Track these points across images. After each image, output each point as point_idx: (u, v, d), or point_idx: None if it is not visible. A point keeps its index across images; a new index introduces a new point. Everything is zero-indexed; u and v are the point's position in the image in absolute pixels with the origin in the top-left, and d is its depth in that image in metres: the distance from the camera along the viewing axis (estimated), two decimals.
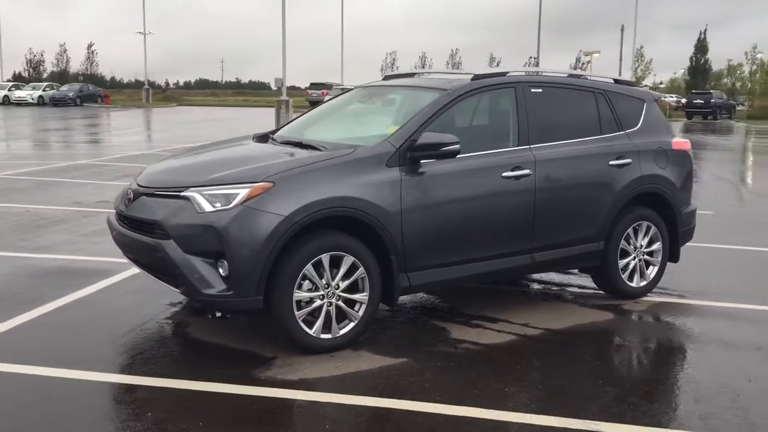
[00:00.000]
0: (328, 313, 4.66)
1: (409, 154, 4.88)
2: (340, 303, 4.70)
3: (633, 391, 4.26)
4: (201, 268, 4.41)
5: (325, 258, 4.58)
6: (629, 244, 6.05)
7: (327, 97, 44.32)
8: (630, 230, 6.02)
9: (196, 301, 4.57)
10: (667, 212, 6.22)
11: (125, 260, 5.28)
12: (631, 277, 6.11)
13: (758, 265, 7.57)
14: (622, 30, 63.14)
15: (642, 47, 57.48)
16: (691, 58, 74.48)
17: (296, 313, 4.54)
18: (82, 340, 4.86)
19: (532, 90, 5.63)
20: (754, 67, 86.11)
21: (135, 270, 6.39)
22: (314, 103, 45.84)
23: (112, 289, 6.02)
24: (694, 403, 4.13)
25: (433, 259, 5.00)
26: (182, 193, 4.59)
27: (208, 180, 4.59)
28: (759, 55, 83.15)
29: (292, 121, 6.32)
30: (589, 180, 5.76)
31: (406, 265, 4.87)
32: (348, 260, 4.66)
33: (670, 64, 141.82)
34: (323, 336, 4.66)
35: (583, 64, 57.60)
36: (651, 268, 6.23)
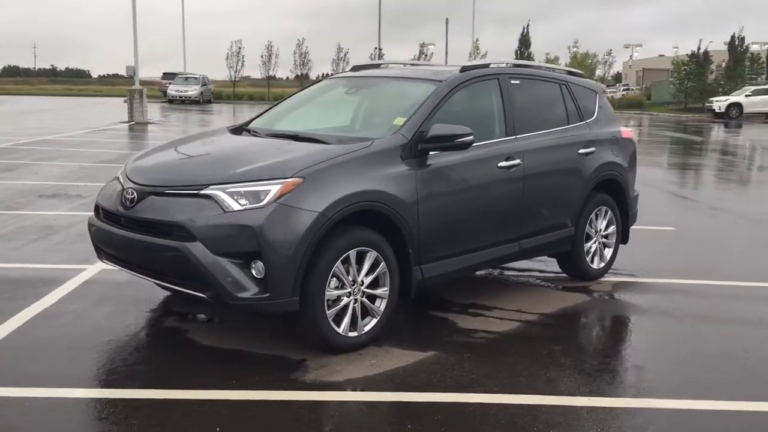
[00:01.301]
0: (354, 310, 4.56)
1: (420, 146, 4.85)
2: (364, 299, 4.60)
3: (663, 364, 4.51)
4: (233, 270, 4.16)
5: (353, 254, 4.47)
6: (591, 228, 6.36)
7: (171, 88, 42.54)
8: (592, 215, 6.33)
9: (224, 306, 4.29)
10: (620, 197, 6.60)
11: (60, 266, 4.82)
12: (592, 260, 6.43)
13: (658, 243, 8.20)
14: (447, 23, 65.40)
15: (478, 40, 59.79)
16: (516, 51, 78.48)
17: (327, 312, 4.41)
18: (80, 357, 4.43)
19: (512, 81, 5.77)
20: (569, 60, 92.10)
21: (84, 277, 5.95)
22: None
23: (74, 299, 5.52)
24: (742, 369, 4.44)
25: (442, 250, 5.01)
26: (202, 192, 4.30)
27: (229, 176, 4.33)
28: (574, 50, 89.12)
29: (265, 112, 6.05)
30: (564, 168, 6.00)
31: (419, 257, 4.85)
32: (371, 255, 4.57)
33: (497, 56, 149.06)
34: (350, 334, 4.55)
35: (426, 56, 59.08)
36: (607, 250, 6.58)
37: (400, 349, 4.66)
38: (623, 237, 6.74)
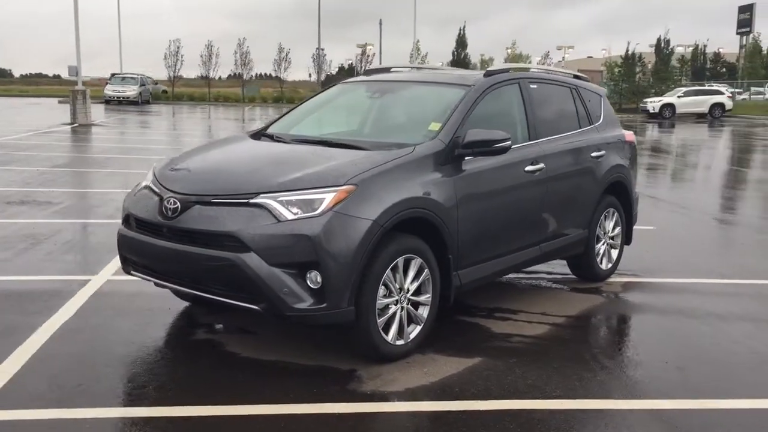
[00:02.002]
0: (401, 318, 4.51)
1: (457, 151, 4.84)
2: (409, 307, 4.56)
3: (703, 365, 4.60)
4: (288, 281, 4.06)
5: (401, 262, 4.42)
6: (601, 229, 6.46)
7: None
8: (602, 217, 6.43)
9: (278, 318, 4.17)
10: (625, 198, 6.72)
11: (61, 277, 4.65)
12: (601, 261, 6.53)
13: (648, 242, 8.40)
14: (380, 24, 65.60)
15: (419, 41, 60.10)
16: (453, 52, 79.37)
17: (378, 321, 4.35)
18: (118, 373, 4.26)
19: (531, 85, 5.81)
20: (503, 61, 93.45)
21: (91, 289, 5.76)
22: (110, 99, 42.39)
23: (90, 312, 5.30)
24: None
25: (477, 255, 5.01)
26: (253, 201, 4.18)
27: (279, 185, 4.22)
28: (508, 50, 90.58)
29: (282, 116, 5.93)
30: (581, 172, 6.07)
31: (457, 263, 4.83)
32: (416, 263, 4.53)
33: (433, 57, 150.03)
34: (398, 342, 4.50)
35: (368, 56, 59.13)
36: (613, 251, 6.70)
37: (445, 356, 4.63)
38: (627, 238, 6.87)
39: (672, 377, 4.42)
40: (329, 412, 3.81)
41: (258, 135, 5.59)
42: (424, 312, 4.64)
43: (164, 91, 52.44)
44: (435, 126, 4.95)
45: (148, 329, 5.00)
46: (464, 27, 70.67)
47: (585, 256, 6.31)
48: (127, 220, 4.72)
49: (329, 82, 64.86)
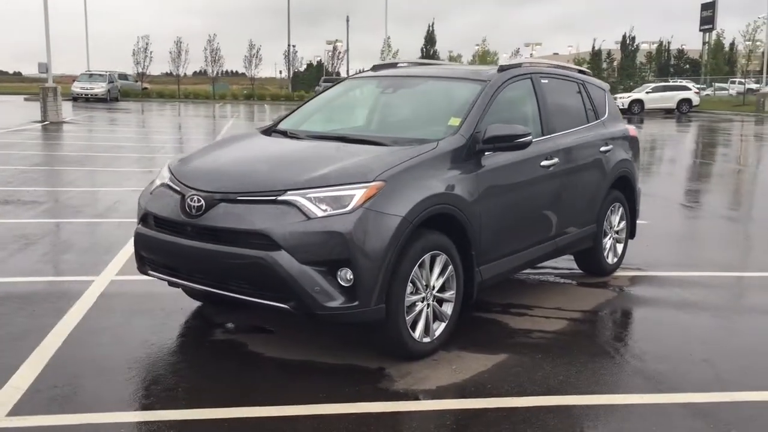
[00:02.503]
0: (427, 315, 4.47)
1: (477, 146, 4.80)
2: (435, 304, 4.52)
3: (728, 357, 4.62)
4: (320, 279, 3.99)
5: (427, 258, 4.38)
6: (607, 224, 6.47)
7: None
8: (608, 211, 6.45)
9: (308, 317, 4.10)
10: (630, 193, 6.75)
11: (63, 278, 4.62)
12: (607, 255, 6.54)
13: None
14: (348, 21, 65.41)
15: (389, 38, 60.15)
16: (421, 49, 79.49)
17: (406, 318, 4.30)
18: (143, 377, 4.16)
19: (542, 80, 5.79)
20: (472, 58, 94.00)
21: (96, 289, 5.64)
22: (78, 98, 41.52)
23: (101, 314, 5.18)
24: None
25: (497, 251, 4.98)
26: (281, 198, 4.10)
27: (307, 181, 4.15)
28: (477, 47, 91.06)
29: (292, 113, 5.84)
30: (591, 166, 6.08)
31: (478, 259, 4.80)
32: (441, 259, 4.49)
33: (403, 54, 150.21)
34: (424, 340, 4.45)
35: (339, 52, 58.98)
36: (619, 245, 6.72)
37: (470, 353, 4.59)
38: (631, 232, 6.90)
39: (702, 370, 4.43)
40: (365, 412, 3.75)
41: (269, 132, 5.51)
42: (448, 309, 4.60)
43: (144, 89, 51.78)
44: (455, 121, 4.91)
45: (165, 330, 4.89)
46: (433, 24, 70.64)
47: (593, 250, 6.32)
48: (145, 218, 4.60)
49: (297, 79, 64.69)
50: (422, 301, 4.42)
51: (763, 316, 5.53)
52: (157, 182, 4.78)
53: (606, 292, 6.10)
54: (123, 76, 49.34)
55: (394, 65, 6.33)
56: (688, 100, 42.47)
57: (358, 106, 5.85)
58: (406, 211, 4.16)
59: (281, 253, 3.96)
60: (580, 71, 6.71)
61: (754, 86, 57.11)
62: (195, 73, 65.76)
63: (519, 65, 5.69)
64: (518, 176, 5.19)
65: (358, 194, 4.07)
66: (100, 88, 42.77)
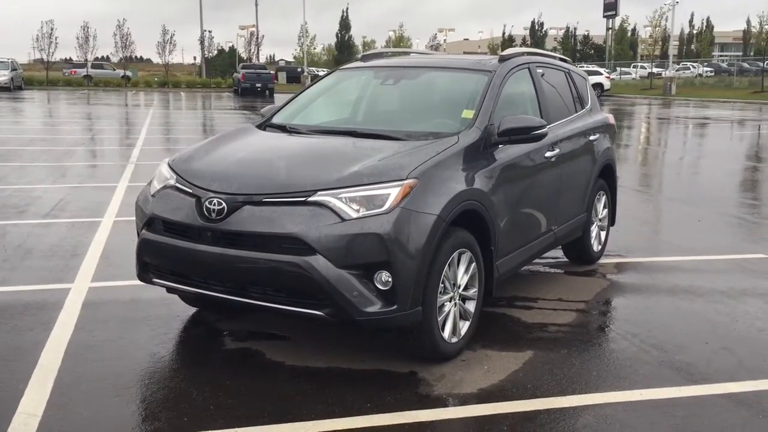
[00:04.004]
0: (455, 315, 4.35)
1: (493, 139, 4.69)
2: (461, 302, 4.40)
3: (743, 345, 4.68)
4: (357, 283, 3.79)
5: (455, 257, 4.25)
6: (594, 212, 6.50)
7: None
8: (595, 199, 6.47)
9: (345, 323, 3.89)
10: (611, 181, 6.80)
11: (33, 287, 4.43)
12: (593, 244, 6.58)
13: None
14: (257, 5, 64.23)
15: (307, 23, 59.43)
16: (336, 34, 79.15)
17: (438, 319, 4.17)
18: (162, 396, 3.86)
19: (538, 70, 5.73)
20: (385, 43, 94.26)
21: (77, 298, 5.31)
22: None
23: (92, 325, 4.82)
24: None
25: (509, 245, 4.90)
26: (311, 198, 3.87)
27: (338, 180, 3.93)
28: (391, 33, 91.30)
29: (284, 106, 5.55)
30: (584, 156, 6.07)
31: (495, 254, 4.71)
32: (467, 256, 4.37)
33: (319, 39, 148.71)
34: (453, 340, 4.33)
35: (257, 38, 57.81)
36: (602, 233, 6.77)
37: (495, 351, 4.50)
38: (612, 219, 6.95)
39: (724, 359, 4.46)
40: (417, 422, 3.59)
41: (266, 126, 5.24)
42: (471, 307, 4.49)
43: (125, 76, 49.79)
44: (468, 114, 4.78)
45: (170, 341, 4.59)
46: (347, 9, 70.32)
47: (582, 239, 6.34)
48: (151, 223, 4.28)
49: (210, 64, 63.20)
50: (450, 301, 4.29)
51: (759, 300, 5.65)
52: (157, 184, 4.46)
53: (599, 281, 6.12)
54: (99, 65, 47.87)
55: (382, 55, 6.14)
56: (599, 85, 43.75)
57: (356, 98, 5.62)
58: (440, 209, 4.01)
59: (317, 257, 3.74)
60: (562, 59, 6.69)
61: (655, 70, 59.42)
62: (97, 59, 63.24)
63: (518, 54, 5.59)
64: (528, 169, 5.11)
65: (393, 193, 3.89)
66: (2, 76, 40.56)
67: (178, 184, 4.27)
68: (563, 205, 5.73)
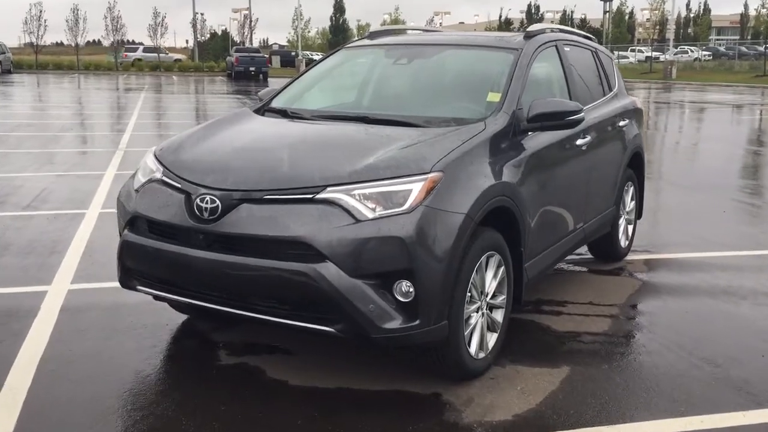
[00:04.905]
0: (482, 327, 3.80)
1: (522, 125, 4.14)
2: (487, 312, 3.86)
3: None
4: (373, 295, 3.25)
5: (483, 261, 3.70)
6: (622, 205, 5.96)
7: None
8: (623, 191, 5.93)
9: (360, 341, 3.35)
10: (640, 171, 6.25)
11: (5, 290, 3.97)
12: (620, 239, 6.04)
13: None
14: None
15: (300, 6, 58.44)
16: (331, 18, 78.18)
17: (465, 333, 3.63)
18: (145, 420, 3.32)
19: (565, 48, 5.16)
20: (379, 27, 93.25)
21: (53, 303, 4.77)
22: None
23: (70, 336, 4.27)
24: None
25: (538, 245, 4.35)
26: (319, 196, 3.32)
27: (351, 174, 3.37)
28: (386, 16, 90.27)
29: (284, 89, 4.97)
30: (614, 144, 5.54)
31: (525, 256, 4.16)
32: (495, 260, 3.82)
33: (313, 23, 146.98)
34: (480, 356, 3.79)
35: (251, 21, 56.90)
36: (629, 227, 6.23)
37: (527, 366, 3.96)
38: (638, 211, 6.41)
39: None
40: None
41: (265, 111, 4.67)
42: (498, 316, 3.95)
43: (177, 60, 49.02)
44: (494, 97, 4.21)
45: (157, 355, 4.04)
46: None
47: (610, 235, 5.79)
48: (134, 223, 3.72)
49: (202, 48, 62.28)
50: (477, 311, 3.74)
51: None
52: (141, 177, 3.89)
53: (630, 281, 5.59)
54: (151, 49, 47.42)
55: (392, 32, 5.54)
56: None
57: (365, 79, 5.03)
58: (468, 207, 3.45)
59: (327, 265, 3.19)
60: (586, 37, 6.11)
61: (653, 54, 58.80)
62: (89, 43, 62.30)
63: (544, 31, 5.01)
64: (558, 159, 4.56)
65: (415, 189, 3.33)
66: None
67: (165, 178, 3.70)
68: (593, 199, 5.18)
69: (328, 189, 3.32)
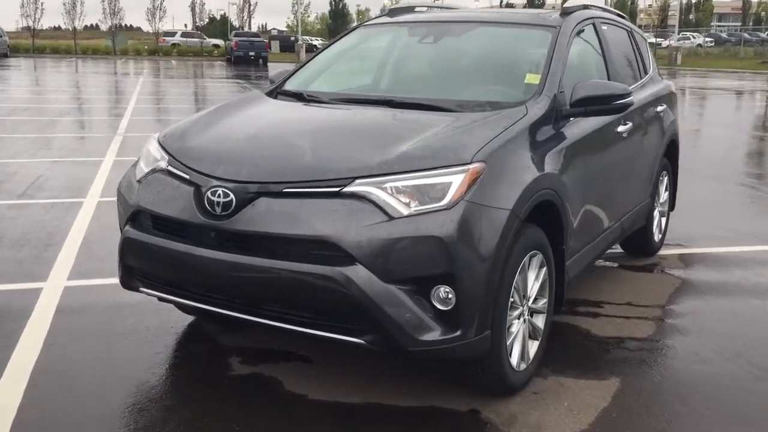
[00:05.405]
0: (524, 335, 3.42)
1: (564, 110, 3.74)
2: (529, 317, 3.48)
3: None
4: (409, 302, 2.86)
5: (526, 262, 3.31)
6: (657, 196, 5.57)
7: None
8: (659, 182, 5.54)
9: (391, 354, 2.97)
10: (674, 160, 5.86)
11: None
12: (654, 232, 5.65)
13: None
14: None
15: None
16: (330, 3, 77.38)
17: (507, 343, 3.24)
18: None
19: (603, 27, 4.75)
20: (380, 12, 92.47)
21: (47, 302, 4.40)
22: None
23: (67, 341, 3.90)
24: None
25: (579, 242, 3.96)
26: (347, 189, 2.92)
27: (380, 165, 2.98)
28: (385, 1, 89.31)
29: (298, 71, 4.55)
30: (653, 131, 5.14)
31: (567, 253, 3.78)
32: (537, 260, 3.43)
33: (313, 7, 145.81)
34: (521, 367, 3.41)
35: (250, 5, 56.22)
36: (663, 219, 5.84)
37: (571, 378, 3.58)
38: (672, 203, 6.03)
39: None
40: None
41: (277, 94, 4.26)
42: (540, 322, 3.56)
43: (215, 45, 47.61)
44: (533, 78, 3.81)
45: (162, 363, 3.66)
46: None
47: (645, 228, 5.40)
48: (136, 218, 3.32)
49: (206, 30, 61.59)
50: (519, 318, 3.36)
51: None
52: (144, 166, 3.49)
53: (667, 278, 5.21)
54: (190, 34, 47.09)
55: (411, 9, 5.12)
56: None
57: (386, 59, 4.61)
58: (513, 202, 3.06)
59: (357, 268, 2.80)
60: (620, 15, 5.69)
61: (652, 40, 58.18)
62: (86, 27, 61.65)
63: (581, 7, 4.59)
64: (600, 147, 4.18)
65: (455, 181, 2.93)
66: None
67: (170, 168, 3.31)
68: (631, 190, 4.80)
69: (357, 181, 2.92)
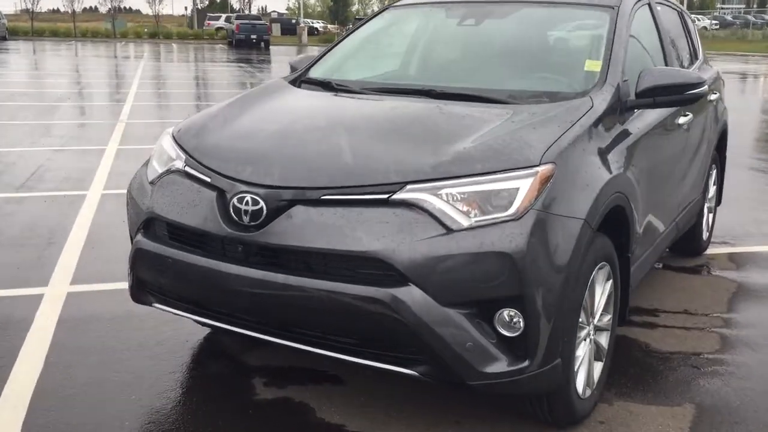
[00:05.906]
0: (590, 358, 3.02)
1: (628, 101, 3.31)
2: (596, 338, 3.07)
3: None
4: (471, 329, 2.45)
5: (594, 276, 2.89)
6: (706, 192, 5.15)
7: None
8: (708, 176, 5.12)
9: (450, 386, 2.57)
10: (723, 152, 5.44)
11: None
12: (702, 230, 5.24)
13: None
14: None
15: None
16: None
17: (575, 369, 2.84)
18: None
19: (658, 8, 4.31)
20: None
21: (50, 311, 4.00)
22: None
23: (70, 355, 3.50)
24: None
25: (641, 246, 3.55)
26: (397, 196, 2.50)
27: (434, 168, 2.56)
28: None
29: (323, 56, 4.12)
30: (708, 122, 4.73)
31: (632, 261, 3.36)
32: (604, 272, 3.02)
33: None
34: (587, 394, 3.00)
35: None
36: (710, 216, 5.43)
37: (640, 404, 3.18)
38: (719, 198, 5.61)
39: None
40: None
41: (301, 83, 3.83)
42: (603, 341, 3.16)
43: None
44: (593, 65, 3.38)
45: (174, 386, 3.25)
46: None
47: (695, 226, 4.99)
48: (150, 227, 2.91)
49: (202, 15, 60.85)
50: (585, 339, 2.95)
51: None
52: (158, 166, 3.07)
53: (720, 281, 4.81)
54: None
55: None
56: None
57: (422, 44, 4.17)
58: (586, 210, 2.65)
59: (410, 289, 2.39)
60: None
61: None
62: (85, 9, 60.98)
63: None
64: (663, 142, 3.76)
65: (523, 187, 2.52)
66: None
67: (188, 168, 2.89)
68: (686, 187, 4.38)
69: (408, 187, 2.51)
